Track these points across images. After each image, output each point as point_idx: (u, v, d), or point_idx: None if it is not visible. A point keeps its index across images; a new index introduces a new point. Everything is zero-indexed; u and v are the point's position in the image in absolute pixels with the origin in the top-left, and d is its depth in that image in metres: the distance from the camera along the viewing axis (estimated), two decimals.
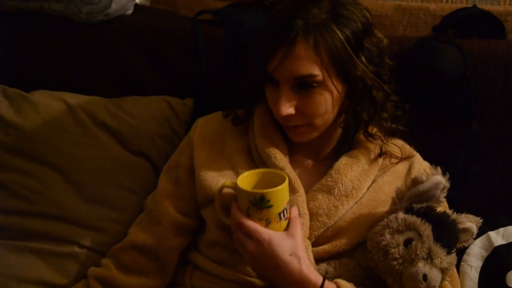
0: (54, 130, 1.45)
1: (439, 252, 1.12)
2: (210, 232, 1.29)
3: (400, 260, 1.13)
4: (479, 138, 1.48)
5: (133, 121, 1.48)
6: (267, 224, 1.12)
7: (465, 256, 1.39)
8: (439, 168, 1.20)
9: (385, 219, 1.18)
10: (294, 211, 1.17)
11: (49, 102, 1.47)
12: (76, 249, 1.38)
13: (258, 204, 1.10)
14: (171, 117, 1.50)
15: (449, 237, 1.15)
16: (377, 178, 1.28)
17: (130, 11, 1.60)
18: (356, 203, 1.24)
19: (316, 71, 1.14)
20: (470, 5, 1.66)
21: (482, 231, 1.40)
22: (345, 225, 1.22)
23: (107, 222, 1.41)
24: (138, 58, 1.55)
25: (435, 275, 1.12)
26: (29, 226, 1.38)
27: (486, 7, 1.65)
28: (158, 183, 1.36)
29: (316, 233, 1.22)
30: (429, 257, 1.12)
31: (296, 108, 1.17)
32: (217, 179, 1.27)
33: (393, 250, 1.14)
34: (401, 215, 1.17)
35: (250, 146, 1.29)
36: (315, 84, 1.15)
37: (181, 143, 1.38)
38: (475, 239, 1.26)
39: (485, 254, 1.39)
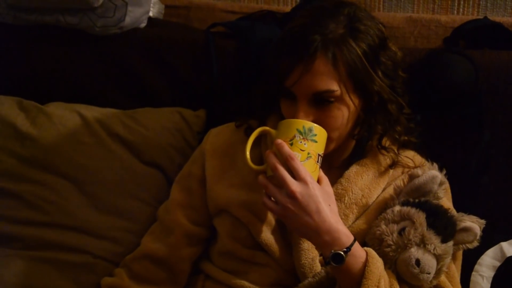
0: (69, 141, 1.46)
1: (432, 238, 1.13)
2: (221, 241, 1.29)
3: (393, 247, 1.14)
4: (490, 149, 1.47)
5: (146, 132, 1.49)
6: (307, 158, 1.12)
7: (477, 266, 1.39)
8: (435, 164, 1.22)
9: (383, 213, 1.20)
10: (322, 172, 1.16)
11: (64, 114, 1.49)
12: (90, 259, 1.39)
13: (306, 134, 1.11)
14: (183, 128, 1.51)
15: (444, 226, 1.15)
16: (387, 187, 1.28)
17: (143, 24, 1.61)
18: (365, 210, 1.25)
19: (335, 86, 1.14)
20: (481, 17, 1.67)
21: (494, 241, 1.40)
22: (354, 231, 1.21)
23: (121, 232, 1.42)
24: (151, 70, 1.56)
25: (428, 261, 1.12)
26: (44, 236, 1.39)
27: (497, 18, 1.66)
28: (170, 193, 1.37)
29: None
30: (422, 243, 1.13)
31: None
32: (227, 190, 1.27)
33: (387, 237, 1.15)
34: (397, 207, 1.19)
35: (262, 156, 1.28)
36: (333, 99, 1.15)
37: (194, 153, 1.38)
38: (482, 244, 1.25)
39: (497, 264, 1.38)
